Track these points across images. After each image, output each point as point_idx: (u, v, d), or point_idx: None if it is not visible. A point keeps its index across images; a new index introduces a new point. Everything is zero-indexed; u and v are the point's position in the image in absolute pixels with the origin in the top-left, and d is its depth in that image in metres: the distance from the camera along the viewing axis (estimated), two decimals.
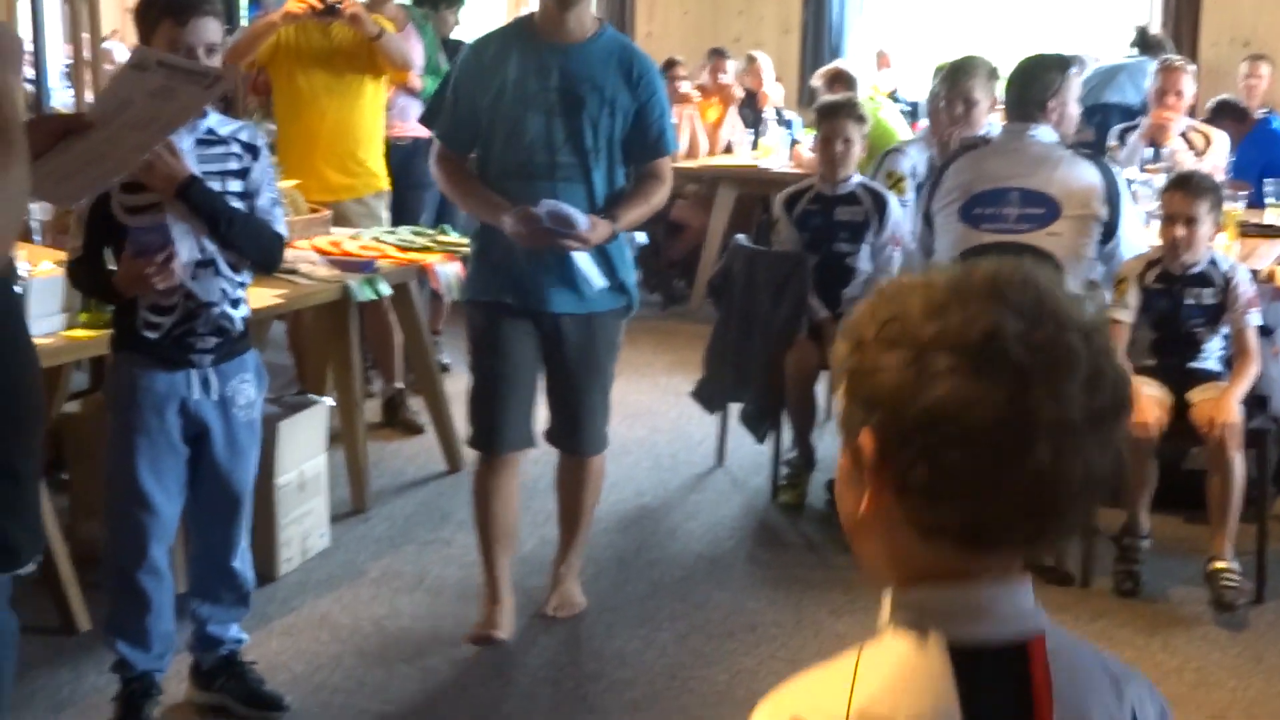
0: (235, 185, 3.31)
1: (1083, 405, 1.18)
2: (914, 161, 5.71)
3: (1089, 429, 1.19)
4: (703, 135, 8.87)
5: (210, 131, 3.30)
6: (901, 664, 1.23)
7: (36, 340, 3.65)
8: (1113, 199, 4.55)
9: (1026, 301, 1.20)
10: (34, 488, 2.13)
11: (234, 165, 3.32)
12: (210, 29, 3.20)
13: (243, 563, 3.59)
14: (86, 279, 3.36)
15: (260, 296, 4.41)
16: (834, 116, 5.35)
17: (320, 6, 5.48)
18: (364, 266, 4.90)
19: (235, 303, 3.34)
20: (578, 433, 4.10)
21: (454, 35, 7.47)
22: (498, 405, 3.96)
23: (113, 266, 3.28)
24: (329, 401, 4.83)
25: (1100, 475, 1.21)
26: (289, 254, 4.85)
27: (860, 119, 5.35)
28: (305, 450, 4.60)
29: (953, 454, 1.17)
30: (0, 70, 1.97)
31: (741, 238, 5.73)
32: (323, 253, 5.03)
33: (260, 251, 3.36)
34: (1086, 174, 4.57)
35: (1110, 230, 4.56)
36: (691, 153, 8.74)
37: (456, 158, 3.97)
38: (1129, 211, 4.66)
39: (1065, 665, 1.25)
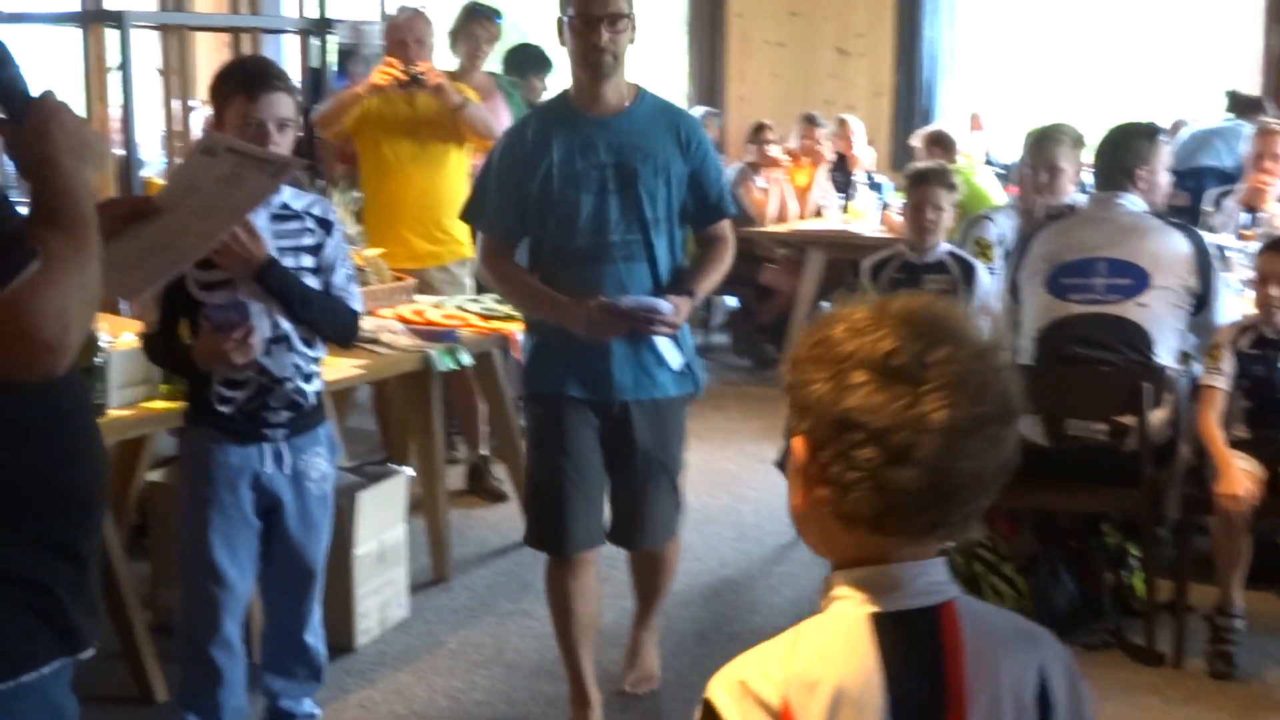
0: (308, 261, 3.32)
1: (970, 412, 1.41)
2: (1001, 229, 5.64)
3: (975, 431, 1.42)
4: (792, 199, 8.83)
5: (284, 206, 3.31)
6: (832, 634, 1.47)
7: (117, 412, 3.73)
8: (1204, 268, 4.45)
9: (927, 326, 1.44)
10: (95, 572, 2.12)
11: (308, 240, 3.33)
12: (282, 104, 3.22)
13: (315, 636, 3.59)
14: (162, 353, 3.38)
15: (340, 367, 4.43)
16: (924, 183, 5.30)
17: (405, 78, 5.53)
18: (445, 336, 4.90)
19: (309, 377, 3.35)
20: (645, 529, 3.87)
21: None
22: (565, 504, 3.71)
23: (188, 340, 3.30)
24: (409, 471, 4.82)
25: (989, 473, 1.45)
26: (371, 323, 4.90)
27: (951, 186, 5.29)
28: (385, 520, 4.59)
29: (861, 453, 1.41)
30: (75, 165, 1.98)
31: (825, 305, 5.68)
32: (406, 321, 5.04)
33: (335, 329, 3.37)
34: (1177, 243, 4.47)
35: (1202, 300, 4.46)
36: (781, 216, 8.71)
37: (506, 251, 3.77)
38: (1221, 281, 4.56)
39: (975, 626, 1.48)
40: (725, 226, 3.86)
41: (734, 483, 6.28)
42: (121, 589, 3.95)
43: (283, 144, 3.23)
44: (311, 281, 3.31)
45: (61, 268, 1.87)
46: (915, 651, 1.45)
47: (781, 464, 5.58)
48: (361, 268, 5.27)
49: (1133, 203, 4.52)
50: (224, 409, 3.28)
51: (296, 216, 3.34)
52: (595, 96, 3.63)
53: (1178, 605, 4.46)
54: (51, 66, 8.92)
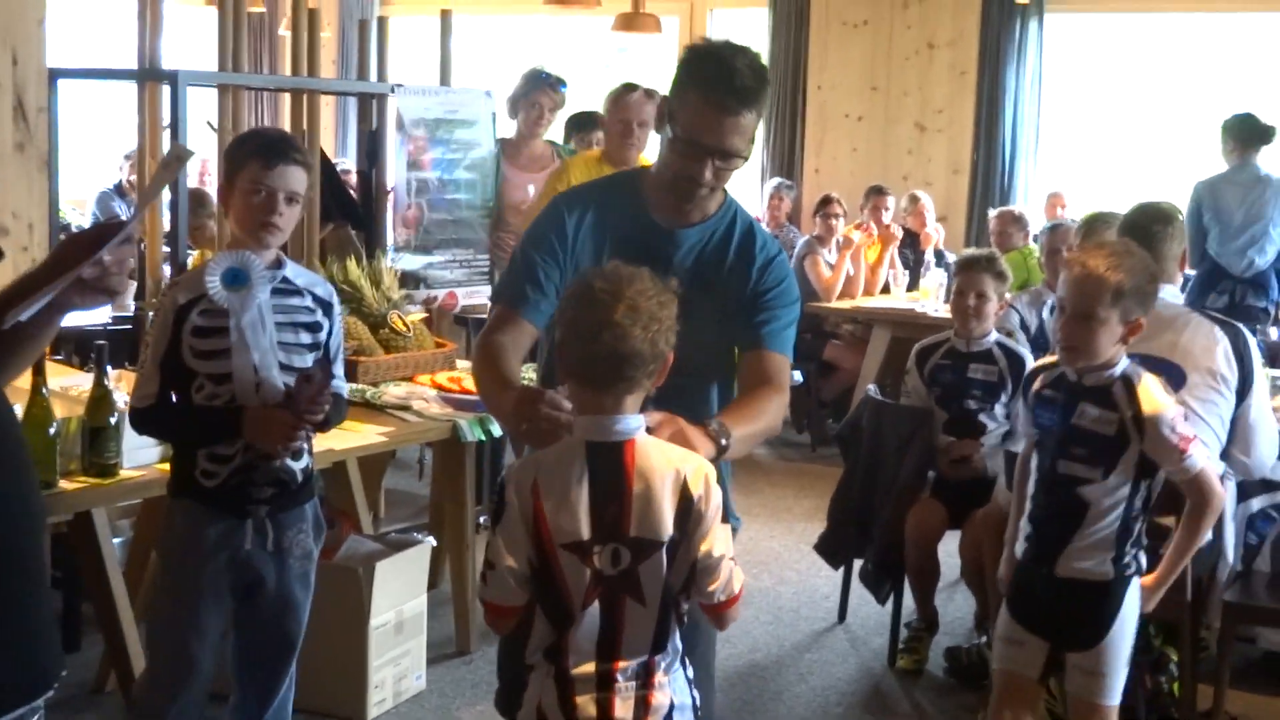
0: (306, 338, 3.29)
1: (626, 321, 2.35)
2: (1025, 314, 5.64)
3: (629, 321, 2.35)
4: (861, 275, 8.73)
5: (286, 280, 3.29)
6: (563, 448, 2.43)
7: (128, 473, 3.72)
8: (1243, 360, 4.25)
9: (610, 275, 2.42)
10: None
11: (304, 318, 3.30)
12: (295, 178, 3.21)
13: (278, 718, 3.50)
14: (157, 424, 3.35)
15: (365, 434, 4.41)
16: (970, 270, 5.21)
17: None
18: (478, 405, 4.84)
19: (297, 454, 3.31)
20: None
21: None
22: None
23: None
24: (431, 541, 4.77)
25: (638, 354, 2.36)
26: (404, 389, 4.88)
27: (999, 275, 5.19)
28: (405, 591, 4.54)
29: (568, 340, 2.42)
30: None
31: (872, 388, 5.58)
32: (441, 389, 5.01)
33: (330, 423, 3.36)
34: (1211, 335, 4.28)
35: (1240, 396, 4.25)
36: (848, 291, 8.61)
37: (515, 334, 2.96)
38: (1261, 375, 4.34)
39: (645, 454, 2.40)
40: (777, 365, 3.00)
41: (776, 563, 6.17)
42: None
43: (287, 218, 3.22)
44: (306, 359, 3.28)
45: None
46: (608, 465, 2.38)
47: (821, 547, 5.47)
48: (401, 332, 5.26)
49: (1169, 293, 4.36)
50: (207, 483, 3.24)
51: (298, 292, 3.31)
52: (676, 206, 3.01)
53: (1215, 714, 4.29)
54: (111, 122, 9.14)
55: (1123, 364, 3.33)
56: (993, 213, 8.94)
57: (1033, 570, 3.42)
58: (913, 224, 9.25)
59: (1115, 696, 3.36)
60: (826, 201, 8.86)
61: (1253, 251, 7.93)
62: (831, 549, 5.45)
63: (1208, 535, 3.42)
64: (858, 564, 5.35)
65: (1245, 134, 8.01)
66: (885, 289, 8.83)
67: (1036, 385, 3.49)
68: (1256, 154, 8.00)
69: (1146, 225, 4.31)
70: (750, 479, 7.38)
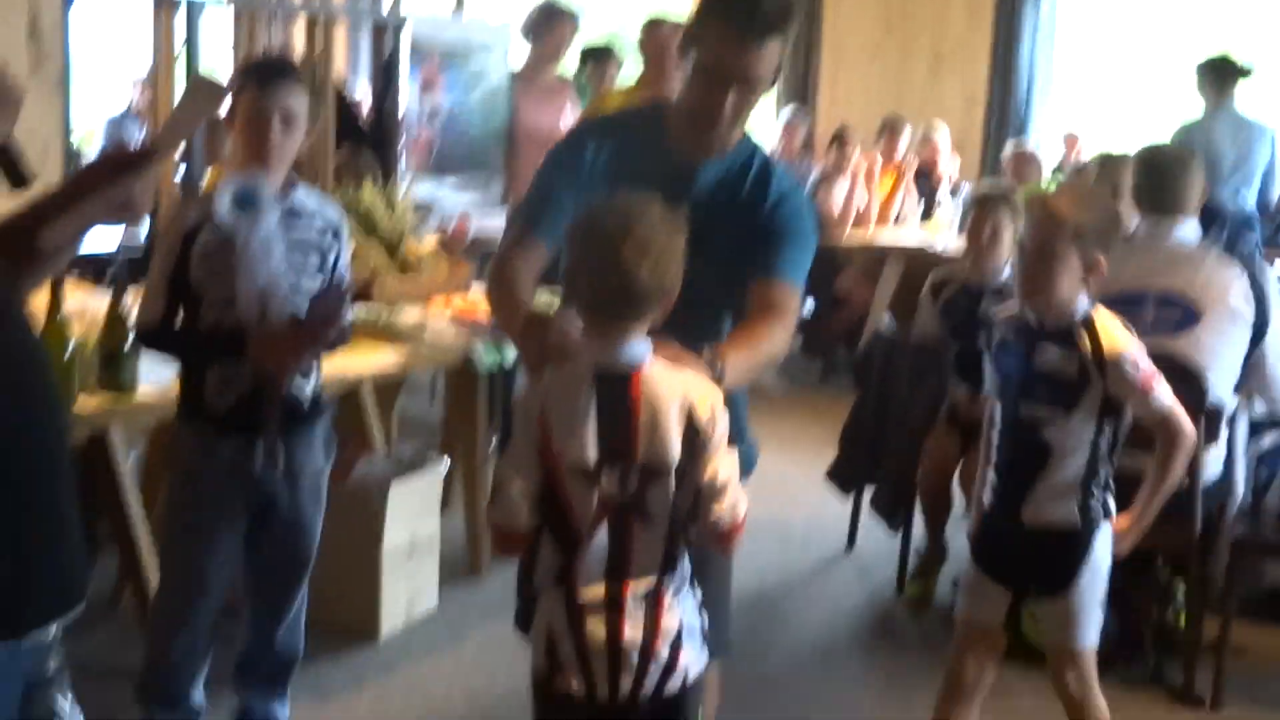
0: (314, 259, 3.31)
1: (634, 256, 2.34)
2: None
3: (637, 257, 2.34)
4: (875, 207, 8.71)
5: (296, 204, 3.30)
6: (571, 370, 2.43)
7: (147, 388, 3.73)
8: (1260, 299, 4.27)
9: (619, 210, 2.41)
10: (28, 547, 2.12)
11: (313, 240, 3.31)
12: (290, 96, 3.21)
13: (291, 635, 3.55)
14: (162, 344, 3.36)
15: (379, 359, 4.42)
16: (984, 206, 5.19)
17: None
18: (493, 330, 4.80)
19: (305, 374, 3.33)
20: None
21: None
22: None
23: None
24: (445, 461, 4.79)
25: (645, 290, 2.36)
26: (419, 313, 4.89)
27: (1015, 211, 5.17)
28: (418, 511, 4.58)
29: (575, 272, 2.44)
30: None
31: (887, 319, 5.59)
32: (455, 314, 5.00)
33: (330, 346, 3.40)
34: (1229, 273, 4.30)
35: (1258, 333, 4.28)
36: (861, 221, 8.60)
37: (529, 255, 2.93)
38: (1278, 315, 4.37)
39: (652, 383, 2.40)
40: (783, 293, 2.94)
41: (785, 491, 6.19)
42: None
43: (284, 138, 3.22)
44: (314, 281, 3.30)
45: None
46: (615, 393, 2.40)
47: (832, 474, 5.50)
48: (415, 257, 5.26)
49: (1190, 231, 4.36)
50: (217, 406, 3.26)
51: (308, 215, 3.32)
52: (696, 139, 2.95)
53: (1220, 646, 4.33)
54: (119, 49, 9.08)
55: (1083, 305, 3.28)
56: (1007, 150, 8.91)
57: (999, 519, 3.36)
58: (927, 156, 9.21)
59: (1090, 639, 3.33)
60: (841, 134, 8.82)
61: (1245, 191, 7.90)
62: (843, 476, 5.48)
63: (1179, 474, 3.35)
64: (868, 493, 5.38)
65: (1224, 73, 7.97)
66: (898, 220, 8.80)
67: (998, 335, 3.42)
68: (1233, 94, 7.98)
69: (1166, 164, 4.31)
70: (760, 407, 7.36)
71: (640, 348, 2.42)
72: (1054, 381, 3.26)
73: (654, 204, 2.44)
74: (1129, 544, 3.37)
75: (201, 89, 2.58)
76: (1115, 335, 3.26)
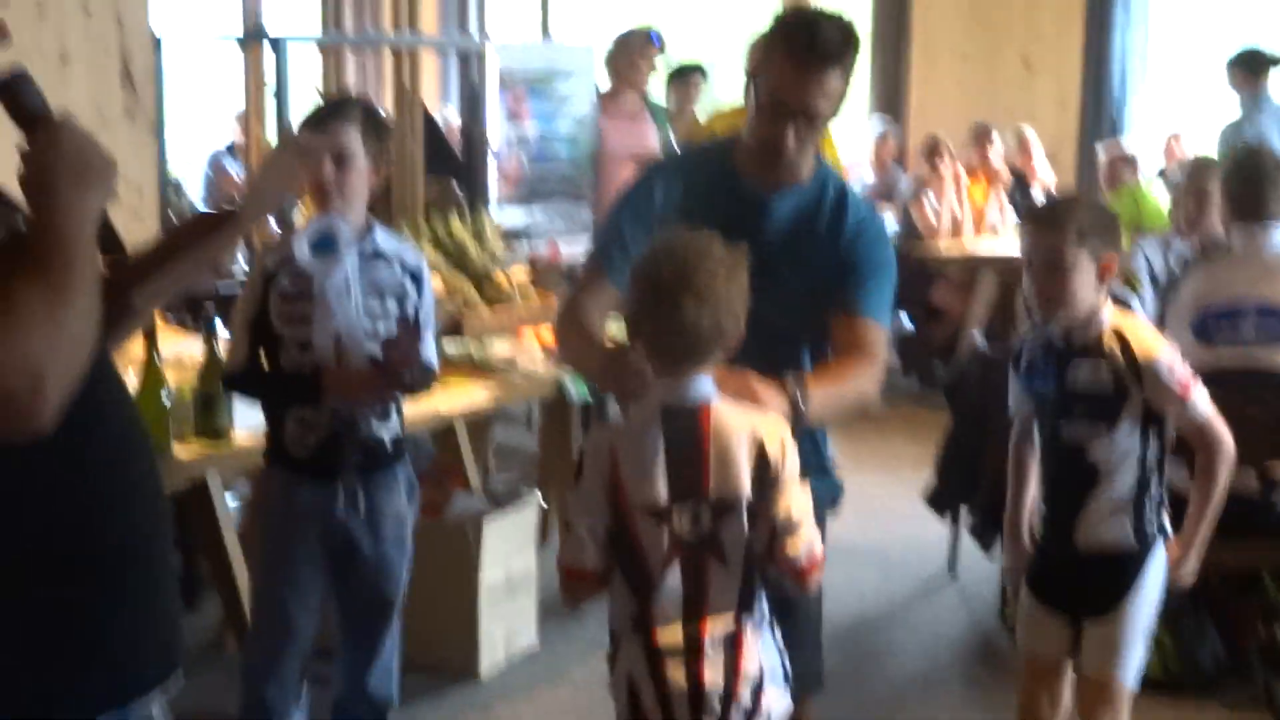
0: (392, 305, 3.31)
1: (694, 305, 2.35)
2: (1149, 258, 5.42)
3: (697, 307, 2.35)
4: (968, 217, 8.61)
5: (374, 247, 3.31)
6: (639, 410, 2.46)
7: (243, 433, 3.76)
8: None
9: (678, 256, 2.39)
10: (119, 624, 2.11)
11: (392, 286, 3.32)
12: (341, 137, 3.22)
13: (382, 679, 3.54)
14: (246, 388, 3.39)
15: (470, 393, 4.42)
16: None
17: None
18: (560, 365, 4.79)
19: (385, 418, 3.34)
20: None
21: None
22: None
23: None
24: (537, 496, 4.79)
25: (705, 338, 2.38)
26: (509, 345, 4.89)
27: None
28: (514, 548, 4.58)
29: (638, 315, 2.45)
30: (75, 194, 1.81)
31: (979, 338, 5.51)
32: (546, 345, 5.01)
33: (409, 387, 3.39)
34: None
35: None
36: (955, 231, 8.50)
37: (599, 295, 2.95)
38: None
39: (721, 417, 2.42)
40: (870, 332, 2.93)
41: (884, 514, 6.12)
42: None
43: (340, 179, 3.22)
44: (391, 325, 3.30)
45: (27, 313, 1.71)
46: (684, 429, 2.41)
47: (931, 499, 5.42)
48: (505, 288, 5.27)
49: None
50: (297, 451, 3.29)
51: (386, 260, 3.33)
52: (769, 167, 2.94)
53: None
54: (216, 86, 9.18)
55: (1108, 312, 3.14)
56: (1100, 149, 8.74)
57: (1052, 546, 3.24)
58: (1020, 162, 9.08)
59: (1130, 675, 3.15)
60: (934, 144, 8.71)
61: None
62: (939, 499, 5.40)
63: (1223, 487, 3.13)
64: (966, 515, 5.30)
65: (1257, 65, 7.79)
66: (993, 230, 8.69)
67: (1025, 356, 3.29)
68: (1267, 85, 7.80)
69: (1259, 170, 4.21)
70: (858, 426, 7.32)
71: (707, 384, 2.44)
72: (1091, 398, 3.12)
73: (713, 244, 2.43)
74: (1191, 569, 3.20)
75: (284, 155, 2.60)
76: (1147, 340, 3.13)
